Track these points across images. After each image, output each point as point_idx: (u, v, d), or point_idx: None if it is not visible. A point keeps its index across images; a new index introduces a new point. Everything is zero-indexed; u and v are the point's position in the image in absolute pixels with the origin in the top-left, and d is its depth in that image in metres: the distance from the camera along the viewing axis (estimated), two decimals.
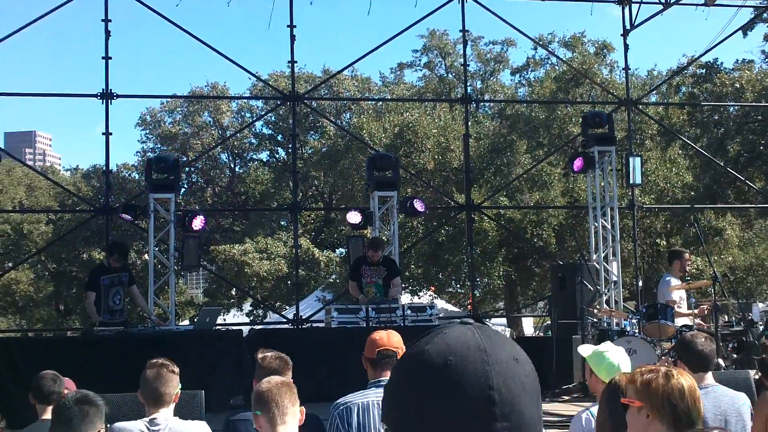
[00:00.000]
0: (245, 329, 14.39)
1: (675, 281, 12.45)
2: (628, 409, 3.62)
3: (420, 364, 1.39)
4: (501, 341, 1.41)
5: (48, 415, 5.25)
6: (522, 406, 1.36)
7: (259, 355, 5.38)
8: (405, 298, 13.47)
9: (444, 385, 1.36)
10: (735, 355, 11.69)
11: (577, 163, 15.81)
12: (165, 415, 4.93)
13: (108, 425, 4.58)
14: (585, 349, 5.44)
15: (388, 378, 1.60)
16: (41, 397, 5.68)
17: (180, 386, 5.10)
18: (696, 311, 12.07)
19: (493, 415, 1.34)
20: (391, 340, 4.89)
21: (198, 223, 14.19)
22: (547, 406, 11.09)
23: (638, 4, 19.14)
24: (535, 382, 1.42)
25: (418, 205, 15.61)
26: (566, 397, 12.01)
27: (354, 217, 15.21)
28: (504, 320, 34.91)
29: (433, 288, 31.27)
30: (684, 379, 3.53)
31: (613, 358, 5.15)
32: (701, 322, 12.12)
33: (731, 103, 25.22)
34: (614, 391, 4.09)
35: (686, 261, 12.80)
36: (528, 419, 1.37)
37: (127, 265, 12.97)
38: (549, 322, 17.13)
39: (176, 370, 5.07)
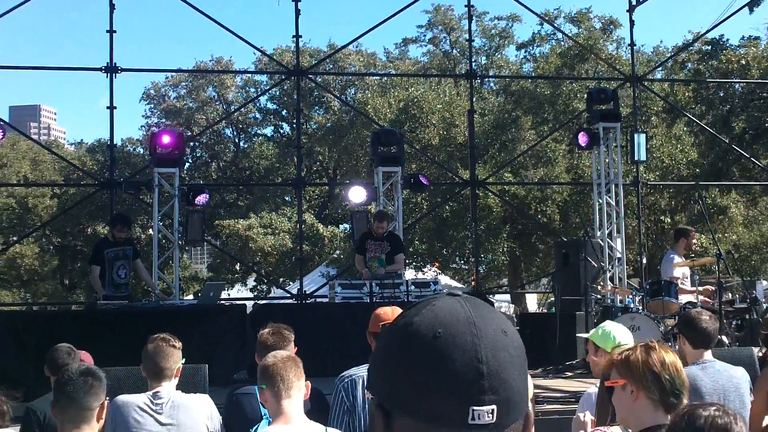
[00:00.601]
0: (249, 304, 14.42)
1: (678, 258, 12.44)
2: (614, 392, 3.59)
3: (408, 335, 1.39)
4: (489, 313, 1.41)
5: None
6: (510, 379, 1.36)
7: (260, 331, 5.40)
8: (409, 274, 13.44)
9: (432, 357, 1.35)
10: (738, 333, 11.71)
11: (583, 138, 15.77)
12: (167, 389, 4.95)
13: (109, 398, 4.59)
14: (584, 333, 5.48)
15: None
16: (56, 369, 5.69)
17: (183, 361, 5.10)
18: (701, 289, 12.07)
19: (482, 388, 1.34)
20: (395, 315, 4.90)
21: (201, 199, 14.19)
22: (550, 382, 11.12)
23: None
24: (522, 354, 1.42)
25: (423, 180, 15.59)
26: (569, 374, 12.03)
27: (356, 196, 15.11)
28: (508, 296, 34.97)
29: (437, 264, 31.30)
30: (664, 351, 3.50)
31: (615, 332, 5.17)
32: (707, 299, 12.11)
33: (737, 80, 25.10)
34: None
35: (692, 239, 12.78)
36: (515, 391, 1.37)
37: (131, 239, 12.92)
38: (553, 298, 17.15)
39: (177, 344, 5.05)
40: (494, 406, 1.34)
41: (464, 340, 1.35)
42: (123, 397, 4.95)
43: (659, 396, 3.40)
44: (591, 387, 5.13)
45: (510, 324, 1.44)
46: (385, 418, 1.40)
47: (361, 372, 4.68)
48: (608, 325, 5.32)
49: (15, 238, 36.54)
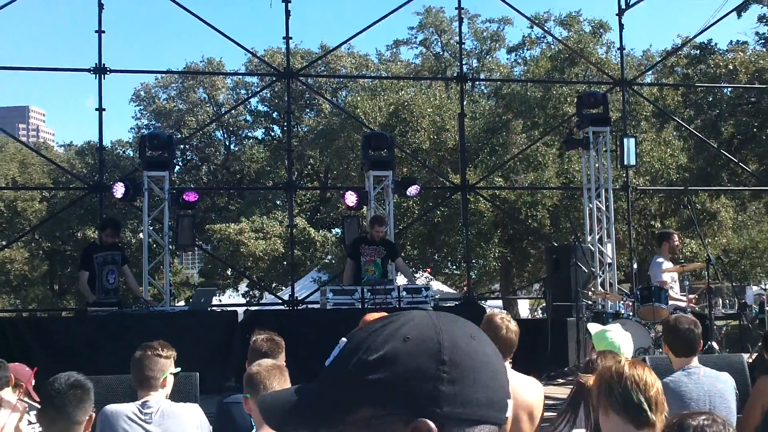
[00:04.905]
0: (240, 310, 14.34)
1: (667, 263, 12.45)
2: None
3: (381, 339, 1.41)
4: (459, 322, 1.42)
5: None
6: (474, 384, 1.35)
7: (252, 338, 5.37)
8: (401, 280, 13.37)
9: (398, 360, 1.35)
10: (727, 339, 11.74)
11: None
12: (156, 398, 4.90)
13: (98, 408, 4.56)
14: (593, 327, 5.46)
15: None
16: None
17: (173, 370, 5.03)
18: (687, 298, 12.09)
19: (441, 393, 1.33)
20: None
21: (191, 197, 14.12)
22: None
23: None
24: (494, 359, 1.40)
25: (412, 189, 15.40)
26: (561, 380, 12.03)
27: (350, 199, 15.04)
28: (499, 302, 34.96)
29: (428, 269, 31.26)
30: (628, 366, 3.43)
31: (615, 338, 5.16)
32: (694, 306, 12.13)
33: (725, 85, 25.17)
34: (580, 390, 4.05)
35: (675, 242, 12.78)
36: (480, 396, 1.36)
37: (118, 244, 12.78)
38: (544, 303, 17.13)
39: (164, 353, 4.96)
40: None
41: (429, 346, 1.35)
42: (111, 407, 4.90)
43: (620, 411, 3.34)
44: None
45: (481, 332, 1.43)
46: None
47: None
48: (609, 327, 5.30)
49: (4, 243, 36.40)
